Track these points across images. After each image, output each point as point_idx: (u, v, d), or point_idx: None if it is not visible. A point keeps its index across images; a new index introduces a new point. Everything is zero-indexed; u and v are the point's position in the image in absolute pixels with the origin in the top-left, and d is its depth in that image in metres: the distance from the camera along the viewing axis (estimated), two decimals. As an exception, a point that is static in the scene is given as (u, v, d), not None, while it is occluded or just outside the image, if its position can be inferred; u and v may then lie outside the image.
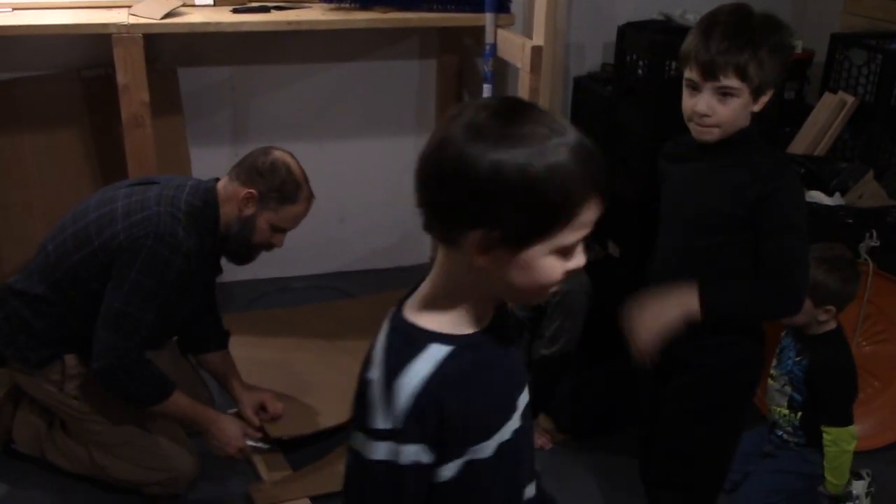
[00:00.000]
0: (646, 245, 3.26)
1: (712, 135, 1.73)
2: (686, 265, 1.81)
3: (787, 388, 2.31)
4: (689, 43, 1.70)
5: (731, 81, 1.66)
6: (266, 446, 2.49)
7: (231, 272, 3.51)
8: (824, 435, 2.22)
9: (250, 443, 2.42)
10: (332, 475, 2.48)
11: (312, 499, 2.39)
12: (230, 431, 2.34)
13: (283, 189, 2.25)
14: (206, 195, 2.25)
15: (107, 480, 2.37)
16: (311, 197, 2.33)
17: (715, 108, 1.69)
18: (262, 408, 2.56)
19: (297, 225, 2.34)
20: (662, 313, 1.67)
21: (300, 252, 3.63)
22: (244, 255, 2.36)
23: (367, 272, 3.72)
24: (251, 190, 2.23)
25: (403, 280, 3.77)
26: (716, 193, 1.76)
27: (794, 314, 1.77)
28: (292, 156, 2.32)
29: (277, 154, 2.28)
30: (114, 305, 2.15)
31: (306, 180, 2.31)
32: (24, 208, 2.97)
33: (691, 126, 1.75)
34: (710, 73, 1.66)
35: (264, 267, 3.59)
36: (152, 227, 2.13)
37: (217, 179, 2.30)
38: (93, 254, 2.18)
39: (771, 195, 1.69)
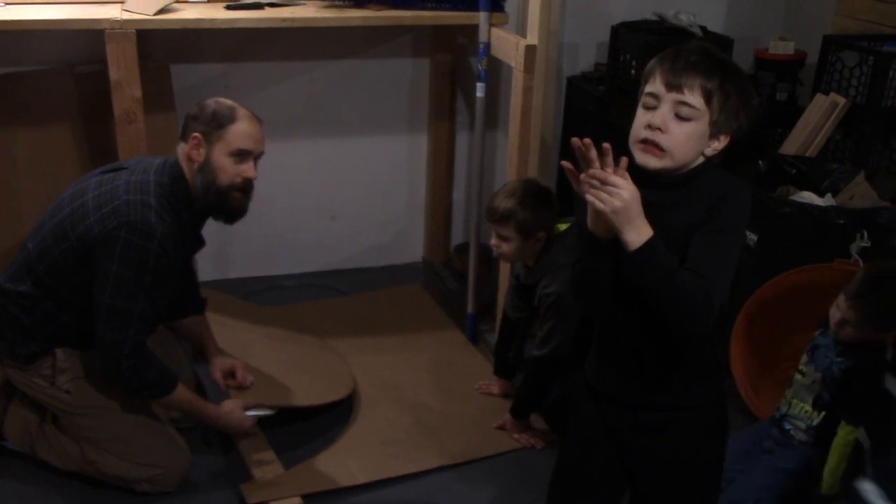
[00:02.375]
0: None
1: (658, 161, 1.55)
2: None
3: (817, 386, 2.30)
4: (655, 61, 1.61)
5: (695, 99, 1.53)
6: (269, 412, 2.51)
7: (221, 270, 3.53)
8: (841, 431, 2.18)
9: (252, 413, 2.47)
10: (323, 474, 2.48)
11: (304, 497, 2.38)
12: (234, 420, 2.42)
13: (217, 116, 2.24)
14: (172, 170, 2.27)
15: (97, 477, 2.37)
16: (252, 115, 2.29)
17: (669, 126, 1.54)
18: (231, 374, 2.57)
19: (258, 146, 2.29)
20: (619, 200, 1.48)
21: (292, 250, 3.64)
22: (223, 204, 2.31)
23: (359, 270, 3.71)
24: (194, 135, 2.23)
25: (396, 278, 3.80)
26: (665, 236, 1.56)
27: (697, 327, 1.53)
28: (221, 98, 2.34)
29: (207, 100, 2.30)
30: (102, 303, 2.17)
31: (235, 104, 2.30)
32: (15, 204, 2.96)
33: (636, 149, 1.58)
34: (674, 84, 1.54)
35: (255, 265, 3.60)
36: (123, 218, 2.15)
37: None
38: (70, 248, 2.20)
39: (719, 201, 1.56)
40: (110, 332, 2.17)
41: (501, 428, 2.72)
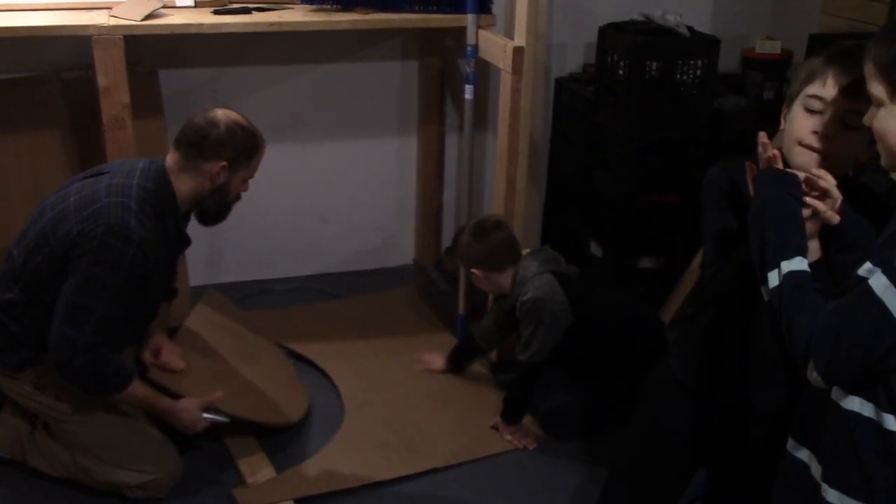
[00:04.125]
0: (629, 244, 3.29)
1: None
2: None
3: None
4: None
5: None
6: (225, 419, 2.48)
7: (213, 275, 3.53)
8: None
9: (207, 416, 2.44)
10: (315, 477, 2.48)
11: (297, 501, 2.39)
12: (189, 417, 2.40)
13: (247, 147, 2.32)
14: (158, 176, 2.27)
15: (90, 484, 2.37)
16: (262, 136, 2.41)
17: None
18: (157, 353, 2.57)
19: None
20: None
21: (283, 254, 3.64)
22: (222, 215, 2.44)
23: (350, 273, 3.71)
24: (222, 163, 2.27)
25: (387, 281, 3.79)
26: None
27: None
28: (229, 108, 2.37)
29: (221, 116, 2.30)
30: (67, 297, 2.16)
31: (252, 124, 2.37)
32: (4, 211, 2.95)
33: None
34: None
35: (247, 269, 3.60)
36: (103, 220, 2.15)
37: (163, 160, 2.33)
38: (52, 254, 2.20)
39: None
40: (68, 328, 2.15)
41: (494, 428, 2.73)
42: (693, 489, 2.06)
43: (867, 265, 1.27)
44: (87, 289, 2.16)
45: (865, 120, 1.38)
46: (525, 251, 2.73)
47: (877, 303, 1.23)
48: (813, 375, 1.30)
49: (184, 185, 2.29)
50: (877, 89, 1.34)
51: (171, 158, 2.30)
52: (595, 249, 3.41)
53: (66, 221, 2.18)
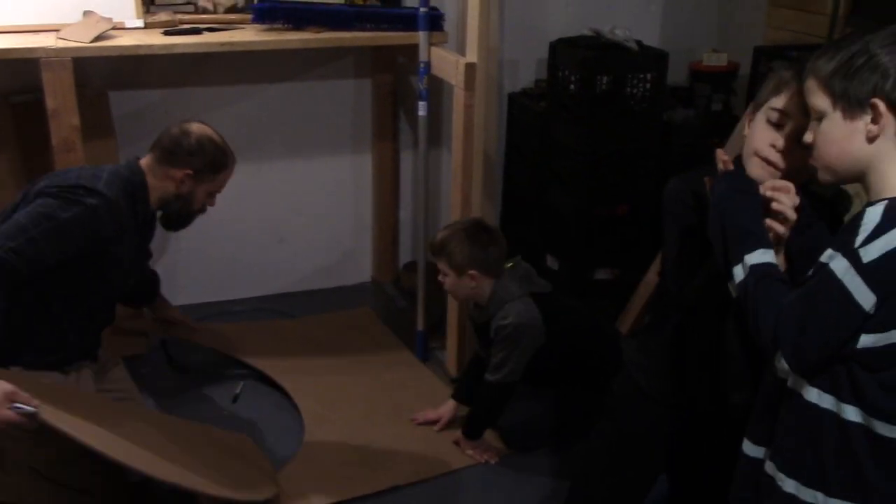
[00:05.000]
0: (585, 257, 3.32)
1: None
2: None
3: None
4: None
5: None
6: (31, 409, 2.05)
7: (169, 296, 3.48)
8: None
9: (17, 407, 2.13)
10: (276, 498, 2.45)
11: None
12: None
13: (214, 162, 2.42)
14: (131, 165, 2.38)
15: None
16: (234, 156, 2.51)
17: None
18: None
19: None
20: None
21: (240, 275, 3.62)
22: (184, 222, 2.54)
23: (308, 293, 3.70)
24: (187, 171, 2.37)
25: (345, 299, 3.77)
26: None
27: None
28: (205, 123, 2.47)
29: (195, 128, 2.42)
30: (18, 219, 2.11)
31: (225, 141, 2.48)
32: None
33: None
34: None
35: (204, 291, 3.57)
36: (73, 180, 2.20)
37: (138, 158, 2.41)
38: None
39: None
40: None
41: (456, 444, 2.73)
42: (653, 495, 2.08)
43: (828, 252, 1.31)
44: (32, 213, 2.11)
45: (806, 137, 1.41)
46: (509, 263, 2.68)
47: (838, 286, 1.27)
48: (781, 363, 1.34)
49: (153, 184, 2.38)
50: (819, 101, 1.38)
51: (144, 160, 2.39)
52: (551, 263, 3.43)
53: (31, 200, 2.18)
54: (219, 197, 3.39)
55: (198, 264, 3.53)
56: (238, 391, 2.96)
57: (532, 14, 3.47)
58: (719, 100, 3.43)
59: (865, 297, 1.25)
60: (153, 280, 2.85)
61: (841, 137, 1.36)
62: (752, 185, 1.51)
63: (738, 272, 1.42)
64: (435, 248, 2.64)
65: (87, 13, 2.79)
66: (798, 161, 1.56)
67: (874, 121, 1.32)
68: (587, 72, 3.07)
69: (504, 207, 3.75)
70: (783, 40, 3.48)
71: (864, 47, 1.32)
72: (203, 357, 3.15)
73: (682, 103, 3.46)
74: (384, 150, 3.57)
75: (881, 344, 1.28)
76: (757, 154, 1.59)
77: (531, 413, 2.79)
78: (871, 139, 1.33)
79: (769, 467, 1.44)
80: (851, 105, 1.33)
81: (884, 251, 1.24)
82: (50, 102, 2.60)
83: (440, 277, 2.67)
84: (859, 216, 1.29)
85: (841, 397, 1.33)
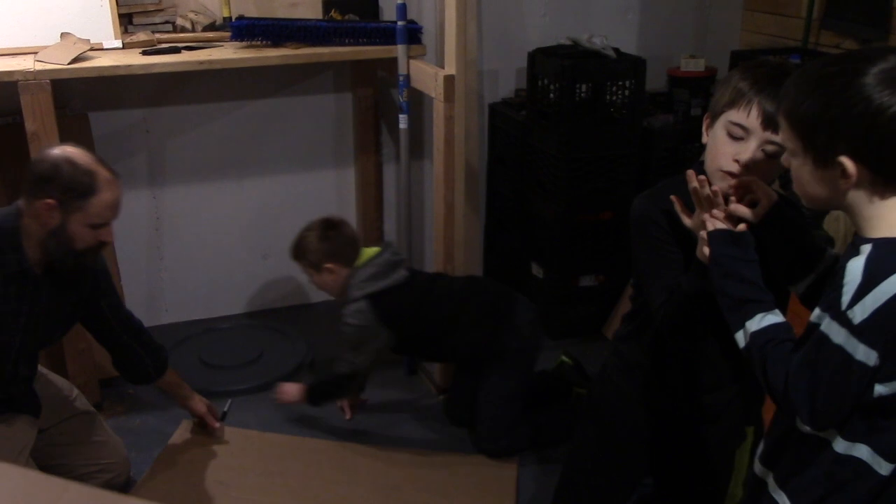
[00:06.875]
0: (569, 264, 3.33)
1: None
2: None
3: None
4: None
5: None
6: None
7: (154, 316, 3.48)
8: None
9: None
10: None
11: None
12: None
13: (75, 186, 2.04)
14: (8, 212, 2.10)
15: None
16: (114, 178, 2.11)
17: None
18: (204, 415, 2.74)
19: (117, 213, 2.14)
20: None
21: (225, 292, 3.61)
22: (76, 264, 2.16)
23: (293, 308, 3.70)
24: (47, 200, 2.03)
25: (332, 314, 3.76)
26: None
27: None
28: (74, 145, 2.12)
29: (55, 152, 2.07)
30: None
31: (101, 162, 2.11)
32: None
33: None
34: None
35: (190, 308, 3.56)
36: None
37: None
38: None
39: None
40: None
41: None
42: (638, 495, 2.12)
43: (817, 311, 1.30)
44: None
45: (783, 161, 1.39)
46: (374, 249, 2.78)
47: (837, 350, 1.25)
48: (804, 428, 1.33)
49: (29, 227, 2.08)
50: (791, 143, 1.35)
51: (20, 200, 2.11)
52: (536, 271, 3.44)
53: None
54: (201, 215, 3.40)
55: (183, 282, 3.52)
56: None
57: (510, 24, 3.49)
58: (698, 105, 3.45)
59: (867, 356, 1.23)
60: (139, 354, 2.52)
61: (813, 181, 1.33)
62: (742, 241, 1.48)
63: (740, 338, 1.41)
64: (292, 253, 2.82)
65: (64, 35, 2.78)
66: (761, 173, 1.56)
67: (844, 176, 1.27)
68: (566, 80, 3.09)
69: (488, 217, 3.76)
70: (759, 44, 3.52)
71: (839, 96, 1.25)
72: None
73: (661, 109, 3.49)
74: (367, 163, 3.57)
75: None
76: (720, 169, 1.59)
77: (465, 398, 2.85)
78: (843, 190, 1.29)
79: (772, 489, 1.44)
80: (820, 157, 1.30)
81: (873, 309, 1.21)
82: (29, 125, 2.59)
83: (309, 279, 2.84)
84: (841, 273, 1.26)
85: (862, 442, 1.32)
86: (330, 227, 2.76)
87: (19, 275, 2.09)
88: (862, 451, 1.32)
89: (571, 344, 3.34)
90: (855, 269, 1.24)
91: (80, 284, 2.28)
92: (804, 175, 1.34)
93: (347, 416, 2.94)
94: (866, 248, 1.26)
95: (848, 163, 1.26)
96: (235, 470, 2.66)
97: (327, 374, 2.83)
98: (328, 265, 2.72)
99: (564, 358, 3.04)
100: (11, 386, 2.24)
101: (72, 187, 2.04)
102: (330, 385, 2.81)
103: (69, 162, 2.05)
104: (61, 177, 2.03)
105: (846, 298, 1.23)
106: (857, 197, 1.29)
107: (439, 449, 2.79)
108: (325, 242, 2.73)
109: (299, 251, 2.79)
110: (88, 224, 2.08)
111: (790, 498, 1.41)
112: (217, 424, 2.82)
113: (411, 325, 2.73)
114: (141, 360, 2.53)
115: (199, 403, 2.79)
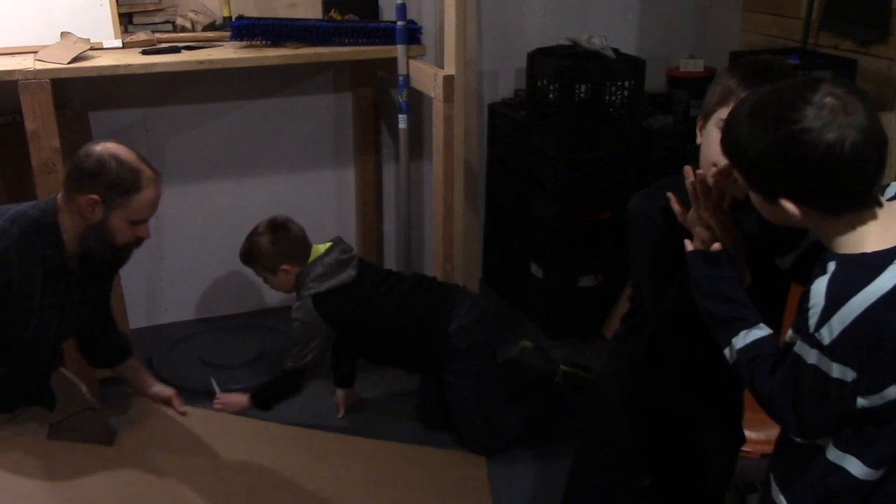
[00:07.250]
0: (568, 264, 3.33)
1: None
2: None
3: None
4: None
5: None
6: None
7: (153, 315, 3.48)
8: None
9: None
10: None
11: None
12: None
13: (120, 183, 2.07)
14: (46, 206, 2.12)
15: None
16: (156, 176, 2.15)
17: None
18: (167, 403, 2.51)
19: (154, 210, 2.18)
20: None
21: (225, 291, 3.61)
22: (113, 259, 2.19)
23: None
24: (91, 196, 2.06)
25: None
26: None
27: None
28: (119, 142, 2.15)
29: (99, 148, 2.10)
30: None
31: (143, 160, 2.14)
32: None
33: None
34: None
35: (189, 308, 3.56)
36: None
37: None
38: None
39: None
40: None
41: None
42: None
43: (790, 332, 1.33)
44: None
45: (740, 185, 1.40)
46: (325, 245, 2.78)
47: (813, 369, 1.27)
48: (797, 439, 1.35)
49: (67, 222, 2.11)
50: (738, 174, 1.37)
51: (59, 196, 2.15)
52: (535, 271, 3.45)
53: None
54: (201, 214, 3.41)
55: (182, 282, 3.53)
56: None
57: (509, 25, 3.50)
58: (697, 105, 3.45)
59: (843, 373, 1.26)
60: (111, 341, 2.52)
61: (766, 210, 1.35)
62: (719, 259, 1.49)
63: (728, 353, 1.44)
64: (243, 259, 2.82)
65: (64, 34, 2.79)
66: None
67: (791, 211, 1.29)
68: (566, 81, 3.10)
69: (487, 217, 3.77)
70: (758, 45, 3.53)
71: (770, 140, 1.27)
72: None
73: (660, 109, 3.49)
74: (366, 163, 3.58)
75: (879, 403, 1.29)
76: (715, 166, 1.60)
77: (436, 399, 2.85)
78: (795, 221, 1.31)
79: (774, 492, 1.46)
80: (766, 196, 1.32)
81: (840, 329, 1.23)
82: (29, 124, 2.59)
83: (263, 281, 2.85)
84: (806, 296, 1.29)
85: (851, 453, 1.35)
86: (278, 229, 2.76)
87: (60, 269, 2.13)
88: (852, 464, 1.35)
89: (571, 344, 3.34)
90: (818, 292, 1.26)
91: (111, 278, 2.33)
92: (758, 203, 1.36)
93: (340, 415, 2.94)
94: (831, 267, 1.28)
95: (789, 204, 1.28)
96: (201, 453, 2.49)
97: (274, 374, 2.84)
98: (284, 266, 2.73)
99: (525, 342, 3.05)
100: (43, 378, 2.30)
101: (117, 184, 2.07)
102: (276, 385, 2.79)
103: (115, 158, 2.08)
104: (107, 173, 2.07)
105: (812, 322, 1.26)
106: (812, 221, 1.31)
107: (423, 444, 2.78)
108: (276, 245, 2.73)
109: (252, 257, 2.77)
110: (129, 220, 2.12)
111: (789, 503, 1.43)
112: (184, 409, 2.54)
113: (353, 328, 2.74)
114: (116, 339, 2.51)
115: (166, 388, 2.55)
